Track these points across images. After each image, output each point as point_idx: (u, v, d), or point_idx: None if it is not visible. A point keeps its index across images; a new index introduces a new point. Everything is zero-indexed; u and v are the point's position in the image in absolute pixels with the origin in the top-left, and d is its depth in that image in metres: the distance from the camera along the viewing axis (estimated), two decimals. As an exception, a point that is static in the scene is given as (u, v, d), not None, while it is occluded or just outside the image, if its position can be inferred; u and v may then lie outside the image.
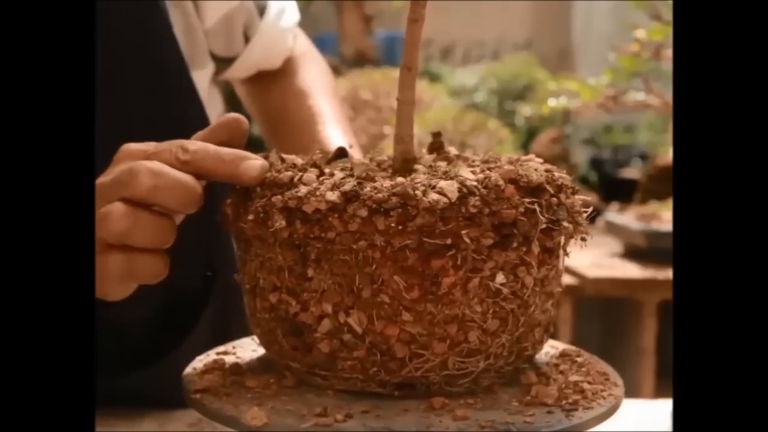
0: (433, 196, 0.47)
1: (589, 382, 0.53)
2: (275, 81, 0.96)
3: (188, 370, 0.56)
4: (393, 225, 0.47)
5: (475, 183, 0.48)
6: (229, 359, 0.57)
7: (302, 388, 0.52)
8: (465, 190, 0.48)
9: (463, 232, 0.47)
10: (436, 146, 0.59)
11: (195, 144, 0.53)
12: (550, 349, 0.59)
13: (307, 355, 0.51)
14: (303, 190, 0.49)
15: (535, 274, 0.51)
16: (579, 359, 0.58)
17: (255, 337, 0.59)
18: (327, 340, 0.50)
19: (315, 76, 0.97)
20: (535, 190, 0.49)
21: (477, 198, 0.48)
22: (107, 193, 0.52)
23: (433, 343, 0.49)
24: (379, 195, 0.47)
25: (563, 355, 0.58)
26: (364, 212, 0.47)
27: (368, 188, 0.48)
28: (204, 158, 0.52)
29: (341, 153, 0.58)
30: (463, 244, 0.47)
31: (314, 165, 0.54)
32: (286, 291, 0.51)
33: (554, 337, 0.60)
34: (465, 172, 0.50)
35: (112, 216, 0.50)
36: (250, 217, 0.51)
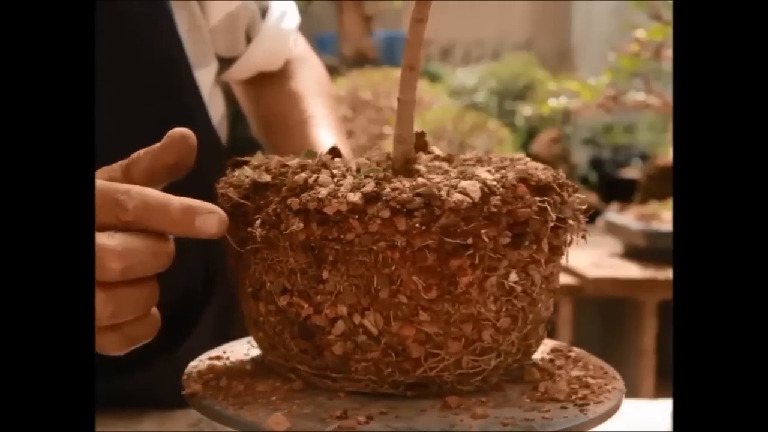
0: (457, 196, 0.47)
1: (592, 377, 0.54)
2: (272, 83, 0.97)
3: (188, 370, 0.56)
4: (416, 225, 0.47)
5: (494, 183, 0.48)
6: (225, 363, 0.57)
7: (311, 392, 0.51)
8: (486, 189, 0.48)
9: (483, 231, 0.47)
10: (421, 146, 0.58)
11: (132, 198, 0.48)
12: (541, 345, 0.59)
13: (318, 357, 0.50)
14: (323, 191, 0.48)
15: (543, 271, 0.51)
16: (572, 354, 0.58)
17: (250, 340, 0.59)
18: (341, 342, 0.49)
19: (311, 79, 0.98)
20: (543, 189, 0.50)
21: (497, 198, 0.48)
22: None
23: (449, 342, 0.49)
24: (403, 196, 0.47)
25: (555, 350, 0.59)
26: (386, 213, 0.47)
27: (388, 189, 0.47)
28: (148, 219, 0.48)
29: (335, 153, 0.57)
30: (482, 243, 0.47)
31: (303, 166, 0.52)
32: (298, 293, 0.50)
33: (554, 337, 0.60)
34: (482, 172, 0.50)
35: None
36: (259, 221, 0.49)
